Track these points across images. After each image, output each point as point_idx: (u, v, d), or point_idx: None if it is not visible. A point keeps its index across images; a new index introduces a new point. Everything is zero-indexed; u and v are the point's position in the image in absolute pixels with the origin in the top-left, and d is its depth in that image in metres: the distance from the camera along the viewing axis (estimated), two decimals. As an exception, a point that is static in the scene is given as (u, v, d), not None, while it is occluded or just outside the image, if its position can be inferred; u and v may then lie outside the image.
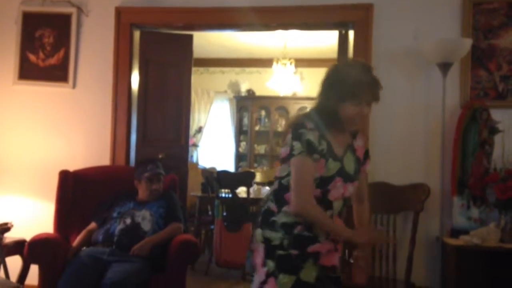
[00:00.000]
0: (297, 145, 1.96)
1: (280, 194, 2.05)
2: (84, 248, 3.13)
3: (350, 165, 2.06)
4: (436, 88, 3.31)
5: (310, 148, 1.95)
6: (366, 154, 2.18)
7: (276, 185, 2.09)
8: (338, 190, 2.02)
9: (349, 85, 1.94)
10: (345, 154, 2.05)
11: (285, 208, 2.02)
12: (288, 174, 2.02)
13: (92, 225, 3.26)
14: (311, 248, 2.01)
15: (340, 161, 2.02)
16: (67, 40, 3.76)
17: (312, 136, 1.96)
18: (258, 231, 2.06)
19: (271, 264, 2.00)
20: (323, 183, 1.99)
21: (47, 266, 2.99)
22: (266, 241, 2.03)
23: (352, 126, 2.05)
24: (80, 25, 3.78)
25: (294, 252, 2.00)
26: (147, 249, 3.02)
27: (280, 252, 2.00)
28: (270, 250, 2.02)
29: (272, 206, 2.06)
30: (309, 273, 2.00)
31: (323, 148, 1.98)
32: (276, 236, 2.01)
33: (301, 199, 1.94)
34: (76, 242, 3.18)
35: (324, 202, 2.02)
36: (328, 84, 2.01)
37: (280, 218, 2.02)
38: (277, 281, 1.98)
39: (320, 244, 2.03)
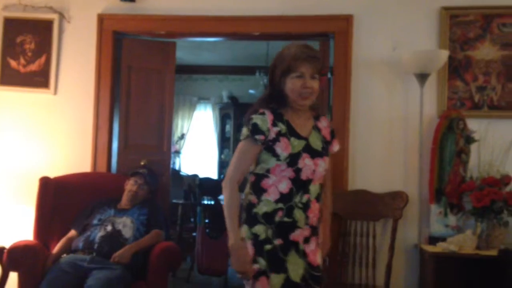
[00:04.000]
0: (244, 130, 2.08)
1: (256, 184, 2.10)
2: (64, 255, 3.11)
3: (316, 143, 2.12)
4: (414, 97, 3.38)
5: (254, 130, 2.04)
6: (332, 134, 2.22)
7: (251, 177, 2.13)
8: (309, 167, 2.06)
9: (287, 60, 2.06)
10: (311, 134, 2.12)
11: (264, 197, 2.06)
12: (258, 163, 2.10)
13: (72, 232, 3.24)
14: (293, 236, 2.05)
15: (305, 140, 2.09)
16: (49, 46, 3.74)
17: (260, 120, 2.05)
18: (244, 228, 2.09)
19: (262, 262, 2.03)
20: (292, 161, 2.04)
21: (27, 274, 2.97)
22: (254, 236, 2.05)
23: (302, 101, 2.08)
24: (62, 32, 3.76)
25: (278, 241, 2.04)
26: (128, 256, 3.01)
27: (268, 246, 2.03)
28: (258, 246, 2.04)
29: (252, 198, 2.10)
30: (296, 271, 2.04)
31: (280, 129, 2.06)
32: (261, 229, 2.05)
33: (229, 175, 2.07)
34: (56, 249, 3.16)
35: (300, 184, 2.05)
36: (272, 66, 2.13)
37: (261, 208, 2.06)
38: (269, 281, 2.01)
39: (300, 230, 2.06)
